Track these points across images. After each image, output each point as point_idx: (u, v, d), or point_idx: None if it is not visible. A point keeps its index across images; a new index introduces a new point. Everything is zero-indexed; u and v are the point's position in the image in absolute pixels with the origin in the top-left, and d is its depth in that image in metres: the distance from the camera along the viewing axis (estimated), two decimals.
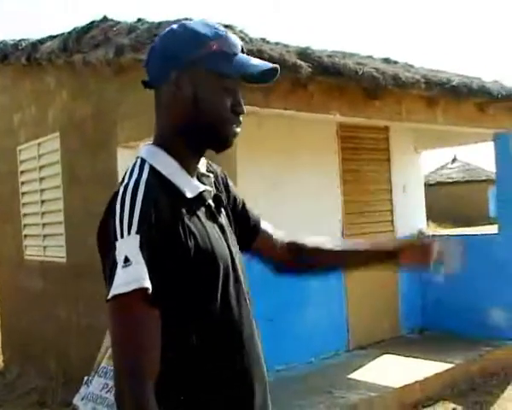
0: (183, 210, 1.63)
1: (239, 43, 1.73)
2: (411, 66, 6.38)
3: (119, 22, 5.74)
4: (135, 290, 1.48)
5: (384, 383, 6.19)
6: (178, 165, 1.70)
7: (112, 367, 6.33)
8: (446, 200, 29.39)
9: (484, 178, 29.43)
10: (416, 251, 2.11)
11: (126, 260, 1.48)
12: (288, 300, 6.46)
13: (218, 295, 1.66)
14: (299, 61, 4.87)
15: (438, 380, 6.47)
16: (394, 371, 6.70)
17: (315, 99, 5.41)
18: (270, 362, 1.93)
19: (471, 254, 8.52)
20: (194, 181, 1.75)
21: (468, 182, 30.80)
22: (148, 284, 1.49)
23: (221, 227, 1.77)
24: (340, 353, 7.47)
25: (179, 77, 1.67)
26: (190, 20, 1.88)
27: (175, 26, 1.73)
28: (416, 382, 6.28)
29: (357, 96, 5.76)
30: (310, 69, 4.93)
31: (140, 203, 1.53)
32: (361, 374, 6.60)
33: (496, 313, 7.59)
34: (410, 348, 7.50)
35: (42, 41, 7.02)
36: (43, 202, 7.63)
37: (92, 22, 6.08)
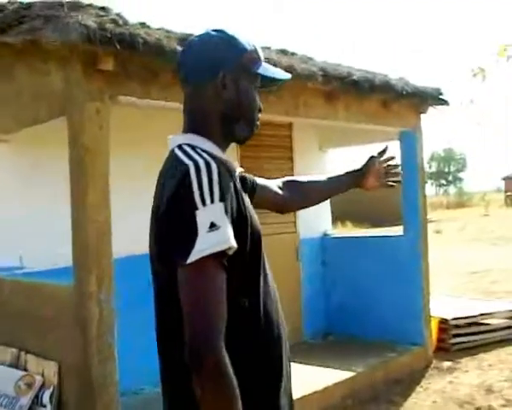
0: (238, 185, 1.86)
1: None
2: (310, 58, 6.00)
3: None
4: (218, 252, 1.65)
5: None
6: (218, 148, 1.92)
7: None
8: (366, 200, 29.59)
9: None
10: (373, 174, 2.70)
11: (212, 225, 1.66)
12: None
13: (261, 267, 1.90)
14: (179, 48, 4.43)
15: (338, 389, 6.25)
16: (293, 380, 6.37)
17: None
18: None
19: (376, 255, 8.30)
20: None
21: None
22: (234, 243, 1.69)
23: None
24: None
25: (225, 77, 1.93)
26: None
27: (214, 33, 1.97)
28: (315, 392, 6.03)
29: None
30: None
31: (217, 177, 1.73)
32: None
33: (400, 317, 7.39)
34: (312, 355, 7.24)
35: None
36: None
37: None
